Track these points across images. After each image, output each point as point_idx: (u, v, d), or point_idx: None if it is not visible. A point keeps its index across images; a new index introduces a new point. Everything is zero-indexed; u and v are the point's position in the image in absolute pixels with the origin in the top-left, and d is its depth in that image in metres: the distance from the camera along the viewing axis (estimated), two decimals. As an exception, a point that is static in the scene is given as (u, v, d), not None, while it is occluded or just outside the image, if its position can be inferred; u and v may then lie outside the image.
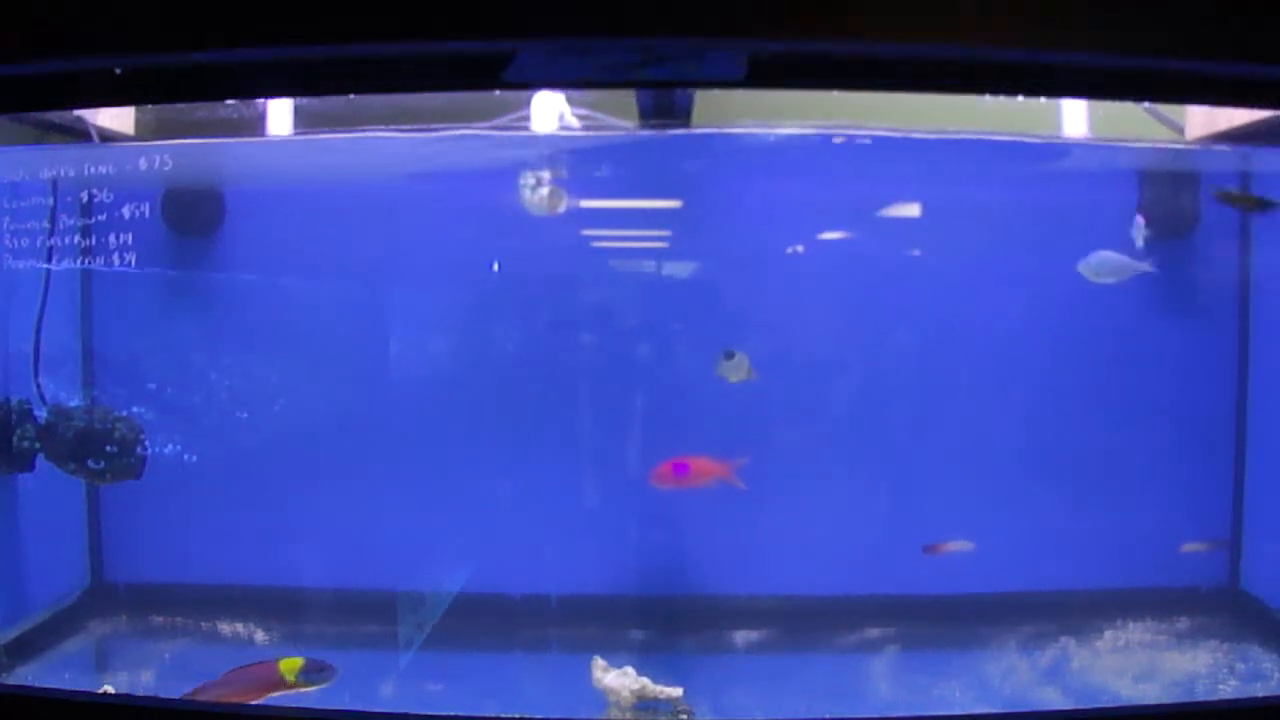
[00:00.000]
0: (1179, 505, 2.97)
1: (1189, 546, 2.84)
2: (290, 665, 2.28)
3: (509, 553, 2.92)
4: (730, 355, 2.63)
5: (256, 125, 2.45)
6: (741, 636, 2.89)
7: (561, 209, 2.78)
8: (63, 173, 2.46)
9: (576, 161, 2.81)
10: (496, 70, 1.44)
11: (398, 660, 2.69)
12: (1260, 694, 2.49)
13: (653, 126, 2.43)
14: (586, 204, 2.91)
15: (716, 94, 2.27)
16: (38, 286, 2.68)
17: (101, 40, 1.49)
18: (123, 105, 2.46)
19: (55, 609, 2.87)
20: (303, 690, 2.27)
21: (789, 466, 2.95)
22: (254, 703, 2.11)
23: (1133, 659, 2.67)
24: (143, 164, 2.45)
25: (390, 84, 1.52)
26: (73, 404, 2.74)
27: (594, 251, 3.02)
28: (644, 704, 2.31)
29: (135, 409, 2.75)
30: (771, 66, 1.45)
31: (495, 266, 2.95)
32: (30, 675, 2.55)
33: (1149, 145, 2.67)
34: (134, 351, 2.89)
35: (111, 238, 2.47)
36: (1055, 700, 2.47)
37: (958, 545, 2.75)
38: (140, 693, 2.39)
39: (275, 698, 2.21)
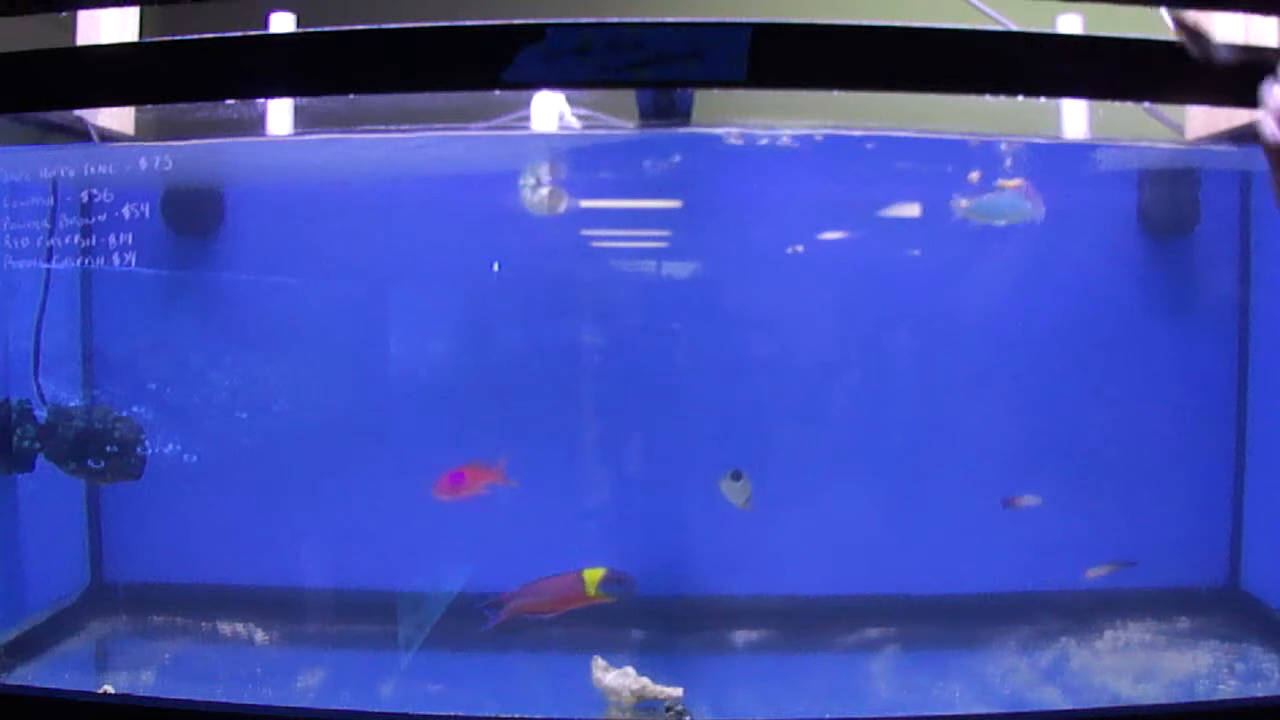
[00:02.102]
0: (1179, 505, 2.97)
1: (1093, 571, 2.83)
2: (591, 576, 2.29)
3: (509, 553, 2.92)
4: (737, 476, 2.61)
5: (256, 125, 2.45)
6: (742, 636, 2.89)
7: (561, 209, 2.78)
8: (63, 173, 2.46)
9: (576, 161, 2.81)
10: (496, 70, 1.45)
11: (398, 660, 2.69)
12: (1260, 694, 2.49)
13: (653, 126, 2.43)
14: (586, 204, 2.91)
15: (716, 94, 2.27)
16: (38, 286, 2.68)
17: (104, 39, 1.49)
18: (123, 105, 2.46)
19: (55, 609, 2.87)
20: (604, 601, 2.27)
21: (789, 466, 2.95)
22: (257, 702, 2.12)
23: (1133, 659, 2.67)
24: (143, 164, 2.45)
25: (390, 84, 1.52)
26: (73, 404, 2.74)
27: (594, 251, 3.02)
28: (644, 704, 2.31)
29: (135, 409, 2.75)
30: (771, 67, 1.46)
31: (495, 266, 2.95)
32: (30, 675, 2.55)
33: (1149, 145, 2.68)
34: (134, 351, 2.89)
35: (111, 238, 2.47)
36: (1055, 700, 2.47)
37: (1029, 500, 2.78)
38: (140, 693, 2.39)
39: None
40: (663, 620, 2.94)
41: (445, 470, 2.70)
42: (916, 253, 2.96)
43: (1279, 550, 2.87)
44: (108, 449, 2.67)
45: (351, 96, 1.55)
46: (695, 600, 2.99)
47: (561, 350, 3.01)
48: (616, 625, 2.85)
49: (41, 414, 2.70)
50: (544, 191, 2.75)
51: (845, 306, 3.02)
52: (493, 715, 2.15)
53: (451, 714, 2.12)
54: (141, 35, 2.57)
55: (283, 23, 2.53)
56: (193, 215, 2.96)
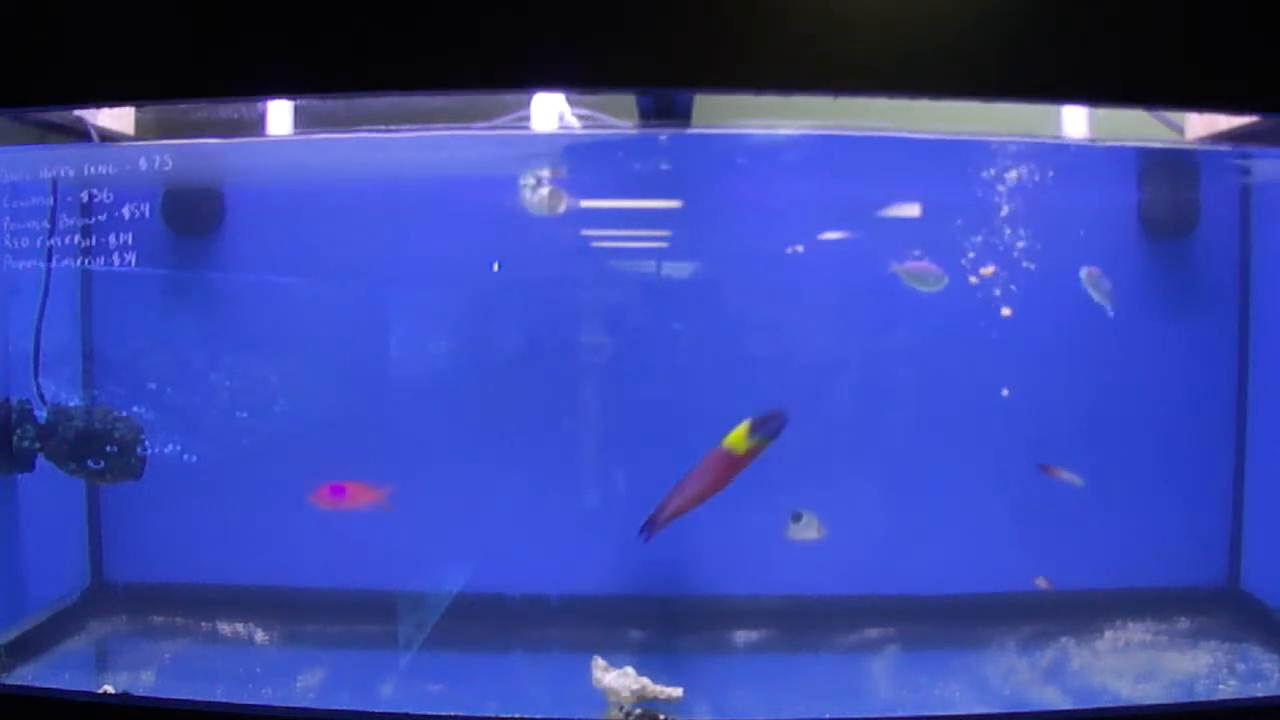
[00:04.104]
0: (1179, 505, 2.97)
1: (1039, 580, 2.85)
2: (736, 437, 2.17)
3: (509, 553, 2.92)
4: (798, 517, 2.67)
5: (256, 125, 2.45)
6: (741, 636, 2.89)
7: (561, 209, 2.78)
8: (63, 173, 2.46)
9: (576, 161, 2.81)
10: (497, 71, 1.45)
11: (398, 660, 2.69)
12: (1260, 694, 2.49)
13: (653, 126, 2.43)
14: (586, 204, 2.91)
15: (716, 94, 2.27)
16: (38, 286, 2.68)
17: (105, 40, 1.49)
18: (124, 105, 2.46)
19: (55, 609, 2.87)
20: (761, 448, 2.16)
21: (789, 466, 2.95)
22: (257, 702, 2.11)
23: (1133, 659, 2.67)
24: (143, 164, 2.45)
25: (391, 84, 1.52)
26: (73, 404, 2.74)
27: (594, 251, 3.02)
28: (644, 704, 2.31)
29: (135, 409, 2.75)
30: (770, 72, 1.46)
31: (495, 266, 2.95)
32: (30, 675, 2.55)
33: (1149, 145, 2.68)
34: (134, 351, 2.89)
35: (111, 238, 2.47)
36: (1055, 700, 2.47)
37: (1068, 476, 2.78)
38: (140, 693, 2.39)
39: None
40: (663, 620, 2.94)
41: (329, 481, 2.73)
42: (917, 253, 2.96)
43: (1279, 550, 2.87)
44: (108, 449, 2.67)
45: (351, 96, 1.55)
46: (695, 600, 2.99)
47: (560, 349, 3.01)
48: (616, 625, 2.85)
49: (41, 414, 2.70)
50: (544, 191, 2.75)
51: (845, 306, 3.02)
52: (493, 715, 2.15)
53: (451, 714, 2.11)
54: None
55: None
56: (193, 215, 2.96)
